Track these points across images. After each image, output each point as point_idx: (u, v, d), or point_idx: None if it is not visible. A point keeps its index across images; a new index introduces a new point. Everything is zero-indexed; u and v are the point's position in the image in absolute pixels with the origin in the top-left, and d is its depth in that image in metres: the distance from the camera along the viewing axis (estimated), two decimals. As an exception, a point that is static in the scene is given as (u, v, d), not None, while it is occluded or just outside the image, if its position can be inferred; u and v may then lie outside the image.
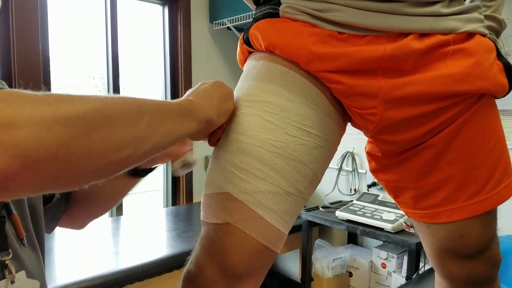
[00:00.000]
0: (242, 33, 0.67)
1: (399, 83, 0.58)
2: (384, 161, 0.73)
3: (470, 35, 0.61)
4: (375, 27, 0.56)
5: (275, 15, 0.61)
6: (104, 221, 2.04)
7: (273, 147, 0.55)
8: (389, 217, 1.79)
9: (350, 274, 2.09)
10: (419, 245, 1.64)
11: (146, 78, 2.48)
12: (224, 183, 0.57)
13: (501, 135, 0.67)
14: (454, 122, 0.63)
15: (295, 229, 2.11)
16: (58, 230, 0.79)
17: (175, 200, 2.53)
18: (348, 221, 1.88)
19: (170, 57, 2.40)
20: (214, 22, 2.44)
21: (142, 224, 2.03)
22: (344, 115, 0.64)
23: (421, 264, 1.71)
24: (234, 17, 2.26)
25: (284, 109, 0.57)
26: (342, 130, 0.65)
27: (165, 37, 2.40)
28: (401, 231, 1.74)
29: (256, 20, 0.64)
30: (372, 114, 0.60)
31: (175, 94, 2.45)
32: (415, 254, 1.65)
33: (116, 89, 2.16)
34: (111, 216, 2.22)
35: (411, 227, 1.76)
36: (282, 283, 2.56)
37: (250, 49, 0.66)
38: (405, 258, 1.84)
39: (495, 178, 0.65)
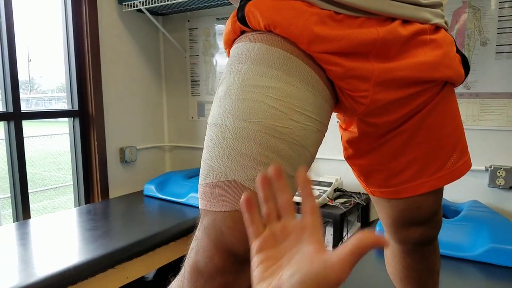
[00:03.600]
0: (235, 11, 0.64)
1: (389, 68, 0.62)
2: (362, 147, 0.78)
3: (437, 28, 0.68)
4: (370, 9, 0.59)
5: None
6: (7, 228, 1.80)
7: (279, 133, 0.56)
8: (315, 193, 1.93)
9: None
10: (342, 216, 1.80)
11: (49, 63, 2.22)
12: (229, 171, 0.56)
13: (459, 119, 0.76)
14: (423, 108, 0.70)
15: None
16: None
17: (88, 198, 2.35)
18: (276, 200, 1.97)
19: (75, 41, 2.19)
20: (123, 4, 2.28)
21: (57, 226, 1.85)
22: (334, 97, 0.66)
23: (344, 233, 1.89)
24: (146, -1, 2.15)
25: (288, 94, 0.57)
26: (332, 112, 0.68)
27: (67, 19, 2.18)
28: (325, 205, 1.90)
29: None
30: (364, 97, 0.63)
31: (81, 80, 2.24)
32: (340, 224, 1.81)
33: (14, 77, 1.90)
34: (17, 221, 1.97)
35: (333, 200, 1.92)
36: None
37: (244, 28, 0.63)
38: (328, 229, 2.01)
39: (454, 156, 0.75)
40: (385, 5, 0.60)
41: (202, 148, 2.79)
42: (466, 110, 1.83)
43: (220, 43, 2.49)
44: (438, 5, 0.69)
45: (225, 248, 0.55)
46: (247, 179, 0.55)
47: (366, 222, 2.09)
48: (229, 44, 0.68)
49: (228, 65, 0.63)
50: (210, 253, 0.56)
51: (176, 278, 0.62)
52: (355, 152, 0.81)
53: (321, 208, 1.86)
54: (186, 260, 0.60)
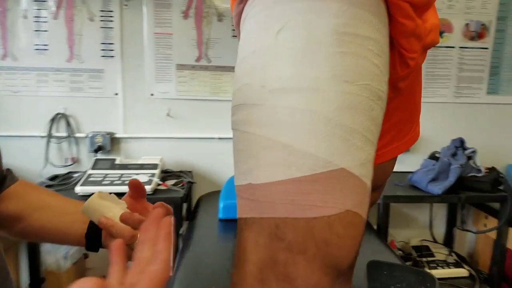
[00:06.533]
0: None
1: (427, 29, 0.56)
2: None
3: None
4: None
5: None
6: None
7: (381, 101, 0.44)
8: (143, 179, 1.67)
9: (86, 256, 1.80)
10: (183, 200, 1.65)
11: None
12: (335, 156, 0.39)
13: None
14: (412, 73, 0.69)
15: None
16: None
17: None
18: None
19: None
20: None
21: None
22: None
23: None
24: None
25: (384, 50, 0.45)
26: None
27: None
28: (156, 191, 1.68)
29: None
30: (412, 59, 0.54)
31: None
32: (180, 207, 1.66)
33: None
34: None
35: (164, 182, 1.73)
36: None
37: None
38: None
39: (416, 121, 0.76)
40: None
41: None
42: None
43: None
44: None
45: (328, 264, 0.39)
46: (358, 165, 0.40)
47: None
48: None
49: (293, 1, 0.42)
50: (306, 275, 0.39)
51: None
52: None
53: (156, 195, 1.64)
54: None
